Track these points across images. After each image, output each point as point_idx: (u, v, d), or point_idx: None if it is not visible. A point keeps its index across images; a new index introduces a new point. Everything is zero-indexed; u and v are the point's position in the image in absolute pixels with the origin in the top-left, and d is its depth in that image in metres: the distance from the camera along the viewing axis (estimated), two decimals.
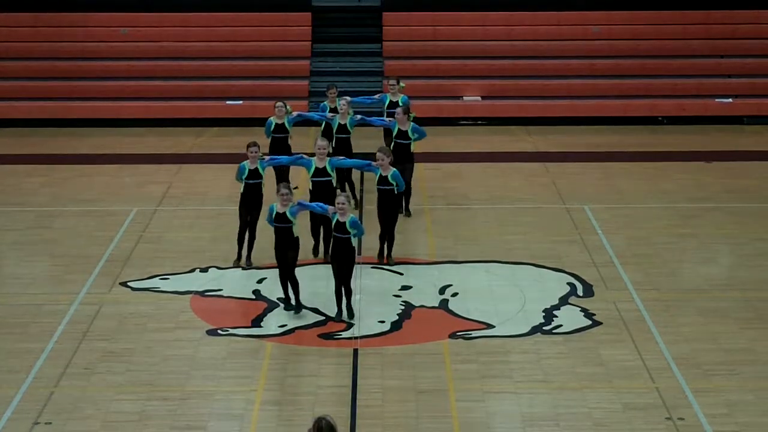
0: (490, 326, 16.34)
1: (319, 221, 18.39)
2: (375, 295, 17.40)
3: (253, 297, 17.46)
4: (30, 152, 26.08)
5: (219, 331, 16.20)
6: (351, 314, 16.46)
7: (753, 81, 29.24)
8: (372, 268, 18.44)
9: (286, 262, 16.57)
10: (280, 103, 21.13)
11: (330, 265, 16.80)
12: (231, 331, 16.22)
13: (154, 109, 28.39)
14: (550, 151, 25.92)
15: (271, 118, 21.02)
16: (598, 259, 18.86)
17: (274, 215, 16.57)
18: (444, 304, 17.18)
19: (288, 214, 16.48)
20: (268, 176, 18.94)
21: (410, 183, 20.76)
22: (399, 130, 20.42)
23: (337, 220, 16.27)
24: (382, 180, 18.36)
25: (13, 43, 29.67)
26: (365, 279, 17.90)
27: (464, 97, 28.94)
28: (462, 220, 21.00)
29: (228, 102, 28.57)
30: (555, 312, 16.81)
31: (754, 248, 19.50)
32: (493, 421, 13.69)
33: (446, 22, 29.94)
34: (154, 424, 13.64)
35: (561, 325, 16.33)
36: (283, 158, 19.31)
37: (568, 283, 17.89)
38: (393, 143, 20.53)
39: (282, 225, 16.54)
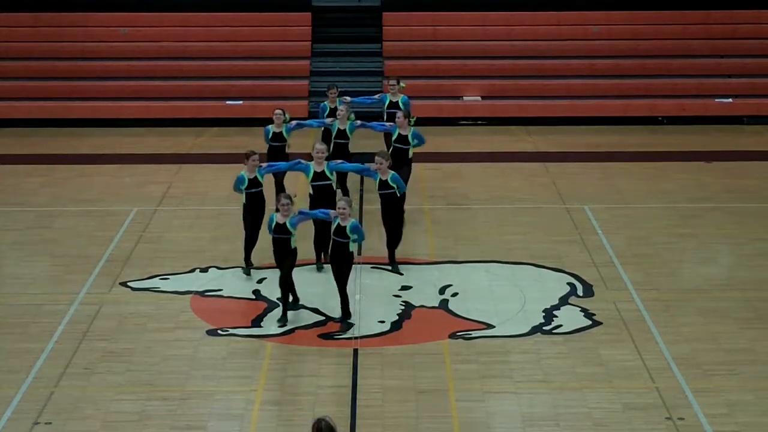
0: (490, 326, 16.33)
1: (322, 233, 18.02)
2: (375, 295, 17.38)
3: (253, 297, 17.45)
4: (30, 152, 26.07)
5: (219, 331, 16.20)
6: (347, 316, 16.42)
7: (753, 81, 29.22)
8: (372, 268, 18.44)
9: (282, 269, 16.46)
10: (278, 111, 20.67)
11: (330, 266, 16.75)
12: (231, 331, 16.21)
13: (154, 109, 28.37)
14: (550, 151, 25.91)
15: (269, 126, 20.58)
16: (598, 259, 18.85)
17: (273, 225, 16.42)
18: (444, 304, 17.17)
19: (288, 224, 16.29)
20: (267, 183, 18.83)
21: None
22: (399, 134, 20.10)
23: (338, 224, 16.20)
24: (382, 184, 18.18)
25: (13, 43, 29.66)
26: (365, 279, 17.89)
27: (464, 97, 28.92)
28: (462, 220, 20.98)
29: (228, 102, 28.55)
30: (555, 312, 16.80)
31: (754, 248, 19.49)
32: (493, 421, 13.68)
33: (446, 22, 29.92)
34: (154, 424, 13.63)
35: (561, 325, 16.32)
36: (282, 164, 19.06)
37: (568, 283, 17.88)
38: (392, 147, 20.25)
39: (280, 236, 16.37)
